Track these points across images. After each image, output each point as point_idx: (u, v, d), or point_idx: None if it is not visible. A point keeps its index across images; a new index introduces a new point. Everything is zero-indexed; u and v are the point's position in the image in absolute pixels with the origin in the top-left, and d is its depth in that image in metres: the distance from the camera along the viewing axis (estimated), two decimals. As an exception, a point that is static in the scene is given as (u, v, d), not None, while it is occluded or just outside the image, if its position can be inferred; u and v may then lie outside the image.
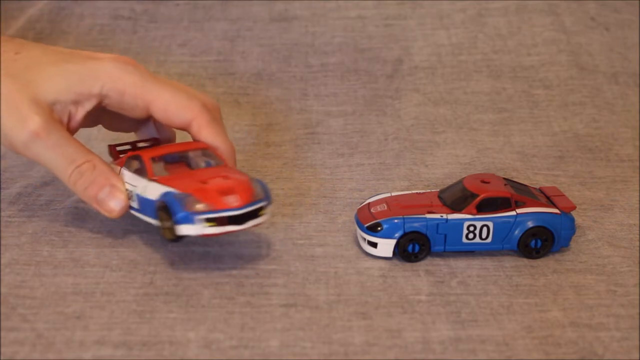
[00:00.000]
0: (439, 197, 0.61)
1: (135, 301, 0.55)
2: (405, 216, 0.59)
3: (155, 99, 0.61)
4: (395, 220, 0.59)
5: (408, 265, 0.59)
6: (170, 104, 0.62)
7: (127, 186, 0.60)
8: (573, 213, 0.62)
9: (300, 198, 0.67)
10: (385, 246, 0.59)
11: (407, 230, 0.59)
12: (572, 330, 0.52)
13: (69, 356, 0.49)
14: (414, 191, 0.64)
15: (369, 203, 0.63)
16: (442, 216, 0.59)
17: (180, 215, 0.55)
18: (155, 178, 0.59)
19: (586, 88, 0.89)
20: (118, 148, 0.65)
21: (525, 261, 0.60)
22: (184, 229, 0.55)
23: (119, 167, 0.62)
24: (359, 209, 0.63)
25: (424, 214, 0.59)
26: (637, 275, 0.58)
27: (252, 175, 0.74)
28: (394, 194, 0.63)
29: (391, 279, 0.58)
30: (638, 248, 0.62)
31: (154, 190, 0.58)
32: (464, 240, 0.59)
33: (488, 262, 0.60)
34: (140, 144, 0.67)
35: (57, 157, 0.60)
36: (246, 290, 0.56)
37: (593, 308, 0.54)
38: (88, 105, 0.62)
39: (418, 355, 0.50)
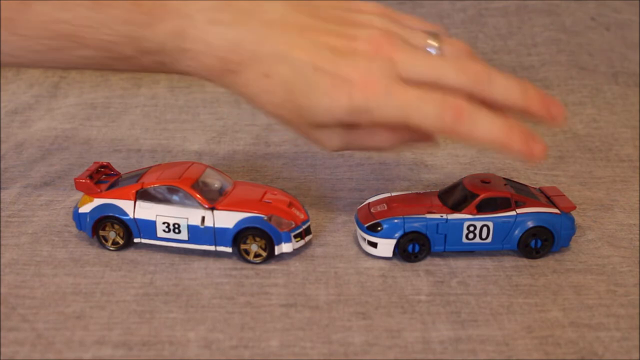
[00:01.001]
0: (438, 197, 0.61)
1: (135, 301, 0.55)
2: (405, 216, 0.59)
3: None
4: (395, 220, 0.59)
5: (408, 265, 0.59)
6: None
7: (166, 219, 0.59)
8: (573, 213, 0.62)
9: (300, 198, 0.67)
10: (386, 246, 0.59)
11: (407, 230, 0.59)
12: (572, 330, 0.52)
13: (69, 356, 0.49)
14: (414, 191, 0.64)
15: (369, 203, 0.63)
16: (442, 216, 0.59)
17: (281, 236, 0.59)
18: (214, 206, 0.59)
19: (586, 88, 0.90)
20: (82, 180, 0.62)
21: (525, 261, 0.60)
22: (284, 248, 0.59)
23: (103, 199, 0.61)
24: (359, 208, 0.63)
25: (424, 214, 0.59)
26: (637, 275, 0.58)
27: (253, 176, 0.74)
28: (394, 194, 0.63)
29: (391, 279, 0.58)
30: (638, 248, 0.62)
31: (224, 218, 0.59)
32: (464, 240, 0.59)
33: (488, 262, 0.60)
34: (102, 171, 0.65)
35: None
36: (246, 290, 0.56)
37: (593, 308, 0.54)
38: None
39: (418, 355, 0.50)
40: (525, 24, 0.96)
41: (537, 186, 0.67)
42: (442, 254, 0.60)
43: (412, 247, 0.59)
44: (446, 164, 0.76)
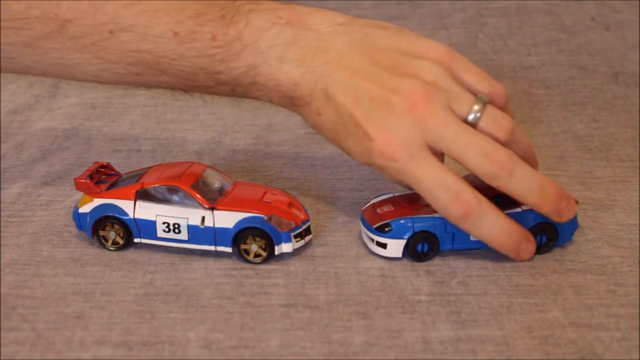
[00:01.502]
0: None
1: (135, 301, 0.55)
2: (414, 216, 0.59)
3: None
4: (404, 221, 0.59)
5: (408, 265, 0.59)
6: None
7: (166, 219, 0.59)
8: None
9: (300, 198, 0.67)
10: (395, 247, 0.59)
11: (416, 230, 0.59)
12: (572, 330, 0.52)
13: (69, 356, 0.49)
14: (414, 191, 0.64)
15: (373, 204, 0.62)
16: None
17: (281, 236, 0.58)
18: (214, 206, 0.59)
19: (586, 88, 0.90)
20: (82, 180, 0.62)
21: (525, 261, 0.60)
22: (284, 248, 0.59)
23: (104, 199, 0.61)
24: (364, 209, 0.62)
25: (431, 214, 0.59)
26: (637, 275, 0.58)
27: (253, 176, 0.74)
28: (396, 194, 0.63)
29: (391, 279, 0.58)
30: (638, 248, 0.62)
31: (224, 218, 0.58)
32: (472, 237, 0.59)
33: (488, 262, 0.60)
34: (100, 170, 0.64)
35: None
36: (246, 290, 0.56)
37: (593, 308, 0.54)
38: None
39: (418, 355, 0.50)
40: (525, 24, 0.96)
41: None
42: (442, 254, 0.60)
43: (422, 247, 0.59)
44: (446, 164, 0.76)
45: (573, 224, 0.61)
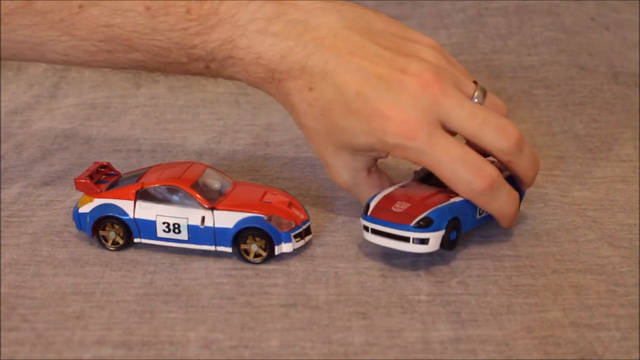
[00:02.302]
0: (433, 184, 0.60)
1: (135, 301, 0.55)
2: (444, 204, 0.58)
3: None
4: (441, 211, 0.58)
5: (408, 265, 0.59)
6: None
7: (166, 219, 0.59)
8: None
9: (300, 198, 0.67)
10: (436, 240, 0.58)
11: (450, 218, 0.58)
12: (572, 330, 0.52)
13: (69, 356, 0.49)
14: (397, 185, 0.62)
15: (378, 205, 0.60)
16: (461, 199, 0.59)
17: (281, 236, 0.58)
18: (214, 206, 0.59)
19: (586, 88, 0.89)
20: (82, 180, 0.62)
21: (525, 261, 0.60)
22: (284, 248, 0.59)
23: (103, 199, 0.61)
24: (374, 210, 0.59)
25: (449, 200, 0.58)
26: (637, 275, 0.58)
27: (253, 176, 0.74)
28: (387, 191, 0.61)
29: (391, 279, 0.58)
30: (638, 248, 0.62)
31: (224, 218, 0.58)
32: (478, 216, 0.60)
33: (488, 262, 0.60)
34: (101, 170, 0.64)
35: None
36: (246, 290, 0.56)
37: (593, 308, 0.54)
38: None
39: (418, 355, 0.50)
40: (525, 24, 0.96)
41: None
42: (442, 254, 0.60)
43: (453, 235, 0.59)
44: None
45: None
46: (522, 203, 0.64)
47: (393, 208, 0.60)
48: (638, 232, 0.64)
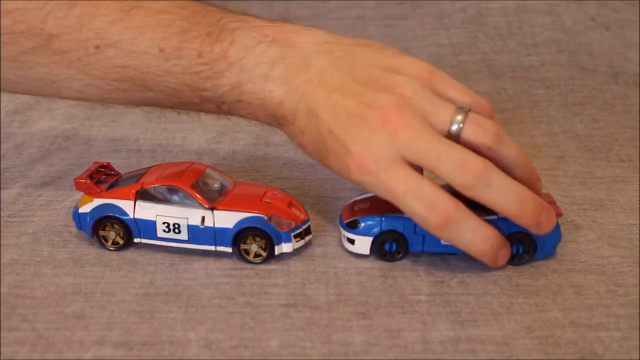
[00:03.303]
0: None
1: (135, 301, 0.55)
2: (383, 214, 0.59)
3: None
4: (373, 218, 0.59)
5: (408, 265, 0.59)
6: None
7: (166, 219, 0.59)
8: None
9: (300, 198, 0.67)
10: (363, 243, 0.59)
11: (384, 229, 0.59)
12: (572, 330, 0.52)
13: (69, 356, 0.49)
14: None
15: (354, 201, 0.63)
16: None
17: (281, 236, 0.59)
18: (214, 206, 0.59)
19: (586, 88, 0.90)
20: (82, 180, 0.62)
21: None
22: (284, 248, 0.59)
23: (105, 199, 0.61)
24: (345, 206, 0.63)
25: (402, 214, 0.59)
26: (637, 275, 0.58)
27: (253, 176, 0.74)
28: (367, 195, 0.63)
29: (391, 279, 0.58)
30: (638, 248, 0.62)
31: (224, 218, 0.59)
32: (443, 242, 0.58)
33: (488, 262, 0.60)
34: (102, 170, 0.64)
35: None
36: (246, 290, 0.56)
37: (593, 308, 0.54)
38: None
39: (418, 355, 0.50)
40: (525, 24, 0.96)
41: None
42: (442, 254, 0.60)
43: (389, 246, 0.59)
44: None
45: (555, 237, 0.59)
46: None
47: (355, 207, 0.62)
48: (638, 232, 0.64)
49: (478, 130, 0.56)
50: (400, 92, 0.57)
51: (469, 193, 0.55)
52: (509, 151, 0.57)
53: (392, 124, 0.55)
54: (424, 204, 0.54)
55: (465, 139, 0.56)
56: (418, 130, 0.55)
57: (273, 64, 0.59)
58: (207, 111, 0.63)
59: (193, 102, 0.62)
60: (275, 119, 0.60)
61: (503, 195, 0.55)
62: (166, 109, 0.64)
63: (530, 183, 0.58)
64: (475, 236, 0.55)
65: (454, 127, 0.56)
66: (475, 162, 0.54)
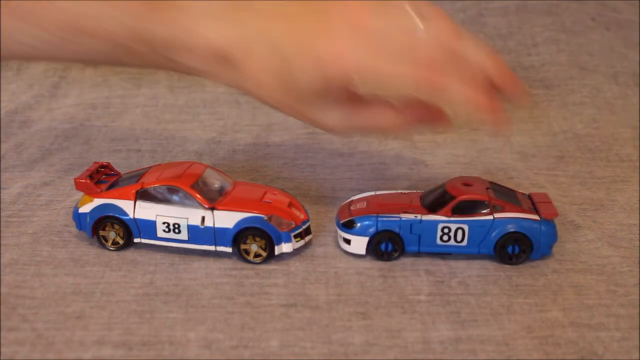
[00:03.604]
0: (420, 197, 0.61)
1: (135, 301, 0.55)
2: (379, 215, 0.59)
3: None
4: (369, 219, 0.59)
5: (408, 265, 0.59)
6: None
7: (166, 219, 0.59)
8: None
9: (300, 198, 0.67)
10: (359, 243, 0.59)
11: (380, 229, 0.59)
12: (572, 330, 0.52)
13: (69, 356, 0.49)
14: (398, 190, 0.64)
15: (351, 201, 0.63)
16: (416, 217, 0.59)
17: (281, 236, 0.59)
18: (214, 206, 0.59)
19: (586, 88, 0.90)
20: (82, 180, 0.62)
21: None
22: (284, 248, 0.59)
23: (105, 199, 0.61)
24: (341, 206, 0.63)
25: (398, 214, 0.59)
26: (637, 275, 0.58)
27: (253, 176, 0.74)
28: (378, 192, 0.63)
29: (391, 279, 0.58)
30: (638, 248, 0.62)
31: (224, 218, 0.59)
32: (439, 242, 0.59)
33: (488, 262, 0.60)
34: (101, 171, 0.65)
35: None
36: (246, 290, 0.56)
37: (593, 308, 0.54)
38: None
39: (418, 355, 0.50)
40: (525, 24, 0.96)
41: (528, 192, 0.67)
42: (442, 254, 0.60)
43: (385, 246, 0.59)
44: (446, 164, 0.76)
45: (551, 237, 0.59)
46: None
47: (352, 207, 0.62)
48: (638, 232, 0.64)
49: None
50: None
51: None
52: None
53: (357, 17, 0.56)
54: (408, 80, 0.55)
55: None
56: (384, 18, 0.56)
57: (217, 4, 0.58)
58: (155, 64, 0.62)
59: (139, 51, 0.60)
60: (222, 60, 0.58)
61: (477, 53, 0.57)
62: (116, 63, 0.63)
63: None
64: (465, 90, 0.56)
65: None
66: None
